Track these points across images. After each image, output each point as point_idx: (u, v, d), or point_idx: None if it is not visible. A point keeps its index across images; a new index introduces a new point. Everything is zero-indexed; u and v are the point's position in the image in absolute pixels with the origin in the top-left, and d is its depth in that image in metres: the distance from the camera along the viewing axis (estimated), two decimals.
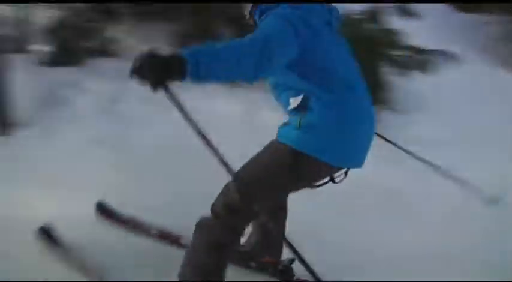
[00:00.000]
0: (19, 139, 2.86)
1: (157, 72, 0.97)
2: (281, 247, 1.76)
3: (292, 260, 1.76)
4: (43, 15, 3.97)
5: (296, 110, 1.30)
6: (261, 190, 1.30)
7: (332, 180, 1.43)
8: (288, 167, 1.29)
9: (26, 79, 3.21)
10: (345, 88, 1.30)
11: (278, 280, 1.83)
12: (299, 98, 1.29)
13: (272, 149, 1.36)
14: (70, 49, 3.60)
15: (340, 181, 1.43)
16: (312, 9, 1.34)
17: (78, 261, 1.69)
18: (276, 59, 1.15)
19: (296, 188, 1.43)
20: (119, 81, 3.25)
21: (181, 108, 1.03)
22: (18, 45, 3.66)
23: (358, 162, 1.41)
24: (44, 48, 3.67)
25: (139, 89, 1.09)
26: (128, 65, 1.12)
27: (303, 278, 1.75)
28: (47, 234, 1.77)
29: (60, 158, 2.57)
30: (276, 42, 1.14)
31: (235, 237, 1.43)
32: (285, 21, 1.21)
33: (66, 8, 3.69)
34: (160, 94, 0.99)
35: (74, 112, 3.14)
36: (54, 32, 3.62)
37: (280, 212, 1.72)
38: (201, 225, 1.40)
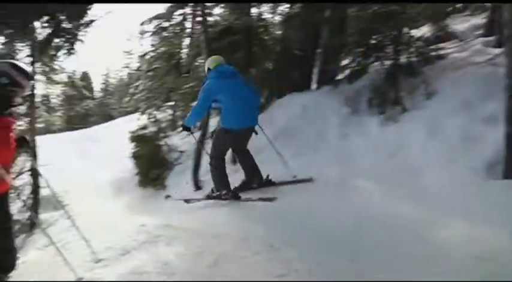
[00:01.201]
0: None
1: (184, 129, 4.51)
2: (256, 172, 4.37)
3: (267, 175, 4.43)
4: None
5: (219, 113, 4.38)
6: (218, 145, 4.32)
7: (255, 132, 4.40)
8: (224, 134, 4.23)
9: None
10: (230, 101, 4.07)
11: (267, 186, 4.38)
12: (218, 108, 4.33)
13: (218, 129, 4.44)
14: None
15: (249, 135, 4.35)
16: (219, 74, 4.15)
17: None
18: (205, 106, 4.26)
19: (232, 141, 4.33)
20: None
21: (193, 135, 5.07)
22: None
23: (247, 125, 4.24)
24: None
25: None
26: None
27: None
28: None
29: None
30: (201, 104, 4.19)
31: (222, 160, 4.28)
32: (205, 92, 4.13)
33: None
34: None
35: None
36: None
37: (244, 154, 4.39)
38: (210, 162, 4.35)
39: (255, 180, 4.41)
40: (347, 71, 5.85)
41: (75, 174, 9.12)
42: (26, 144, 3.07)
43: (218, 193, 4.24)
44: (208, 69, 4.31)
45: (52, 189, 3.56)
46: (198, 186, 5.97)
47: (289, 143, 5.29)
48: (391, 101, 4.82)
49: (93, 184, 8.16)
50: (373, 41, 5.33)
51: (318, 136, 5.20)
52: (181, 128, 4.64)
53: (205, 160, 5.91)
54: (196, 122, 4.54)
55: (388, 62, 5.21)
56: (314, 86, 6.60)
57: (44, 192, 5.89)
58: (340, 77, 6.18)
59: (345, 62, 6.02)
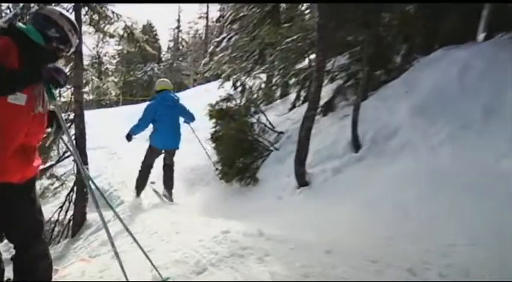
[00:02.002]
0: None
1: (127, 138, 7.31)
2: (170, 184, 7.55)
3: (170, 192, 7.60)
4: None
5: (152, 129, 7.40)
6: (147, 157, 7.35)
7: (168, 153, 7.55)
8: (151, 149, 7.32)
9: None
10: (163, 125, 7.13)
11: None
12: (151, 126, 7.37)
13: (149, 145, 7.43)
14: None
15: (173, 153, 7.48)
16: (163, 100, 7.18)
17: None
18: (149, 121, 7.24)
19: (155, 156, 7.36)
20: None
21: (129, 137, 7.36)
22: None
23: (169, 147, 7.31)
24: None
25: None
26: None
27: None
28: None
29: None
30: (145, 119, 7.20)
31: (147, 168, 7.33)
32: (148, 110, 7.22)
33: None
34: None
35: None
36: None
37: (167, 168, 7.49)
38: (140, 166, 7.44)
39: (166, 189, 7.34)
40: None
41: (135, 161, 9.32)
42: (55, 122, 2.90)
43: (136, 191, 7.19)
44: (156, 90, 7.22)
45: (95, 184, 3.28)
46: (303, 181, 5.60)
47: (439, 121, 5.01)
48: None
49: (157, 174, 8.24)
50: None
51: (485, 110, 4.73)
52: (125, 136, 6.89)
53: (314, 144, 5.68)
54: (139, 132, 7.03)
55: None
56: (481, 35, 6.17)
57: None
58: None
59: None
